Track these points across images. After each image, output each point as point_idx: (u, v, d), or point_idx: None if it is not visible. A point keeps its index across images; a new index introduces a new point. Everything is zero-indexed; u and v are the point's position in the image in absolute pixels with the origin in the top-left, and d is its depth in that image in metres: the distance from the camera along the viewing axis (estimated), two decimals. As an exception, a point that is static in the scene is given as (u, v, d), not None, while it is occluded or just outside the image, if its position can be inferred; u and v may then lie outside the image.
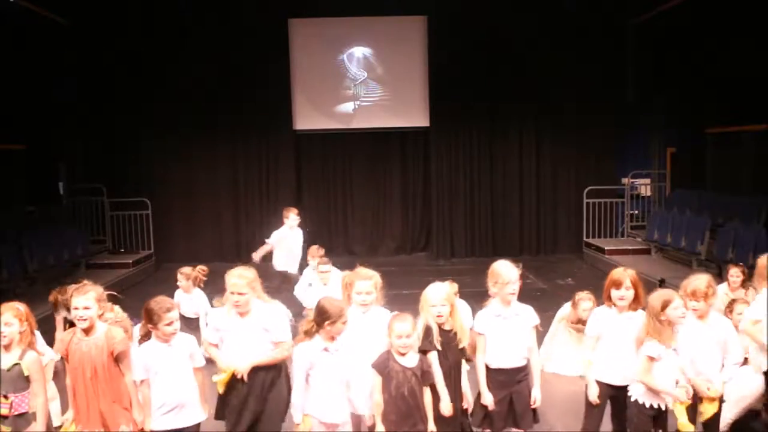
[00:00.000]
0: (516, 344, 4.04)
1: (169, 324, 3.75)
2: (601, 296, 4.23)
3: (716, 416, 4.06)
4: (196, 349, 3.90)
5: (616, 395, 4.03)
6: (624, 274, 4.03)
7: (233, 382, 3.94)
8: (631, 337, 3.95)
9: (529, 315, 4.13)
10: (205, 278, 6.36)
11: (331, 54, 12.48)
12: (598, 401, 4.04)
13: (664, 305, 3.83)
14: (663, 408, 3.87)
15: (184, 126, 12.08)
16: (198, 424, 3.89)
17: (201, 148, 12.29)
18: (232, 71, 12.05)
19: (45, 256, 9.43)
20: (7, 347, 3.74)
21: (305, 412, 3.78)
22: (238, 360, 3.91)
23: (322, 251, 7.25)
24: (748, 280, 5.68)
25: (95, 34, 11.90)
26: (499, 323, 4.04)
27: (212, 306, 5.27)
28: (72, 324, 4.47)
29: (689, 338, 3.96)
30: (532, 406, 4.05)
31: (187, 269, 6.32)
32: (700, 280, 4.05)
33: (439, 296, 3.95)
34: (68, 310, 5.17)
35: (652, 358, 3.79)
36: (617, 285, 4.00)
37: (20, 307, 3.89)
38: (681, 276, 4.80)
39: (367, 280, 4.14)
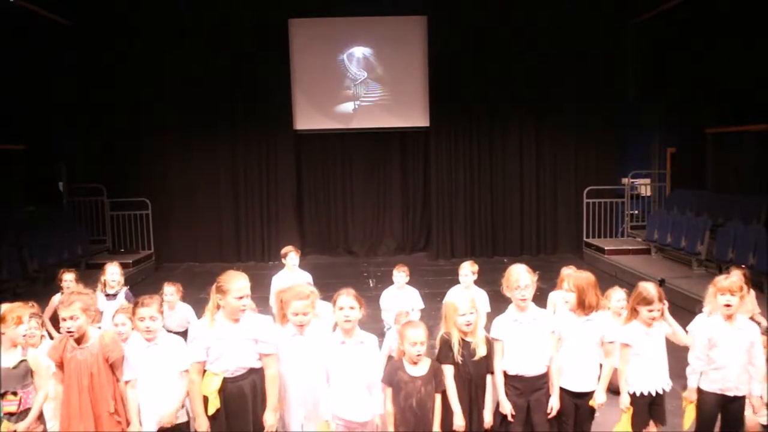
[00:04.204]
0: (534, 350, 3.81)
1: (141, 319, 3.70)
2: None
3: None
4: (183, 351, 3.74)
5: (579, 403, 3.87)
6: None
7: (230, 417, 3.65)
8: (591, 342, 3.86)
9: (546, 320, 3.90)
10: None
11: (331, 54, 12.48)
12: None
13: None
14: (655, 394, 3.87)
15: (184, 126, 12.09)
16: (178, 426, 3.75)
17: (201, 148, 12.29)
18: (232, 71, 12.07)
19: (45, 256, 9.43)
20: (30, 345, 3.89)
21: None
22: (269, 416, 3.64)
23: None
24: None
25: (95, 34, 11.91)
26: (516, 329, 3.82)
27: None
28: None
29: (715, 340, 3.84)
30: (550, 416, 3.81)
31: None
32: (734, 275, 3.92)
33: (466, 303, 3.75)
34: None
35: (623, 344, 3.88)
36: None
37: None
38: (681, 276, 4.78)
39: (304, 299, 3.79)
